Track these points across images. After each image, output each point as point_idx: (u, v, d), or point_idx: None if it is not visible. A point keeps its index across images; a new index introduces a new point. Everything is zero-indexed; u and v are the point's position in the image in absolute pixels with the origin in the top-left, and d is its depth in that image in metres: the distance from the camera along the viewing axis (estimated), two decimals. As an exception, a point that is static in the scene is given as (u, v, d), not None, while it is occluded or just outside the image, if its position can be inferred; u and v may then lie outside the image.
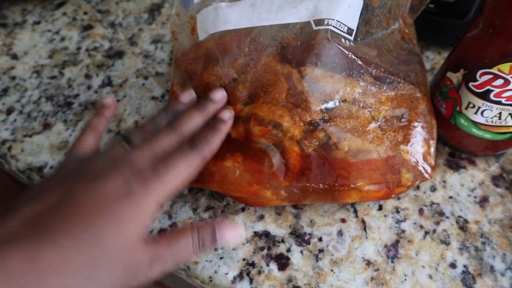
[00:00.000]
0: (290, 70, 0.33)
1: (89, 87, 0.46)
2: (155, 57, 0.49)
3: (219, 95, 0.34)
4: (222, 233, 0.28)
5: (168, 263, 0.27)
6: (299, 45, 0.33)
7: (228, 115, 0.33)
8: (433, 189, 0.38)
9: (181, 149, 0.30)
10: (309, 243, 0.35)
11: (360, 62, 0.33)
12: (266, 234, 0.35)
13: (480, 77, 0.33)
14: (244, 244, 0.35)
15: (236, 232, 0.29)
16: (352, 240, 0.35)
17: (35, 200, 0.26)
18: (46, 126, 0.43)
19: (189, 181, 0.29)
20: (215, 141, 0.31)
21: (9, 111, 0.45)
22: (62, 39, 0.52)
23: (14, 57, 0.50)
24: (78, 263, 0.23)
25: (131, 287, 0.26)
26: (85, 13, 0.55)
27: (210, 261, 0.34)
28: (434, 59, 0.48)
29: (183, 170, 0.28)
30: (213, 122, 0.33)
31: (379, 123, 0.33)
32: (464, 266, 0.34)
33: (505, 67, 0.31)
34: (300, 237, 0.35)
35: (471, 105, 0.35)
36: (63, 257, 0.23)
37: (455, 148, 0.40)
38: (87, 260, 0.24)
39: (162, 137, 0.31)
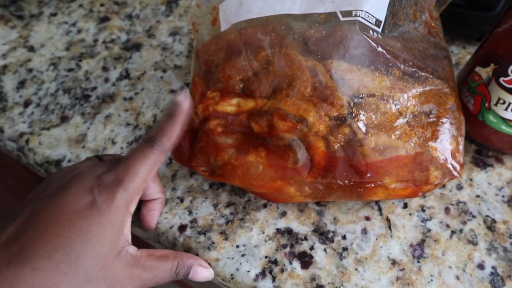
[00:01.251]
0: (315, 63, 0.32)
1: (106, 80, 0.46)
2: (173, 50, 0.48)
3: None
4: (196, 271, 0.31)
5: (146, 283, 0.28)
6: (324, 36, 0.33)
7: (182, 96, 0.31)
8: (460, 187, 0.37)
9: (138, 147, 0.29)
10: (332, 241, 0.34)
11: (388, 56, 0.32)
12: (289, 231, 0.35)
13: (512, 72, 0.32)
14: (266, 241, 0.34)
15: (208, 273, 0.32)
16: (376, 239, 0.34)
17: (10, 222, 0.26)
18: (64, 119, 0.43)
19: (154, 175, 0.30)
20: (173, 129, 0.30)
21: (26, 104, 0.44)
22: (79, 31, 0.51)
23: (31, 49, 0.49)
24: (59, 283, 0.24)
25: None
26: (102, 4, 0.54)
27: (232, 258, 0.33)
28: (459, 54, 0.46)
29: (145, 170, 0.28)
30: (168, 107, 0.31)
31: (407, 118, 0.32)
32: (493, 267, 0.33)
33: (541, 61, 0.30)
34: (323, 235, 0.34)
35: (501, 101, 0.34)
36: (44, 279, 0.23)
37: (482, 145, 0.39)
38: (68, 280, 0.24)
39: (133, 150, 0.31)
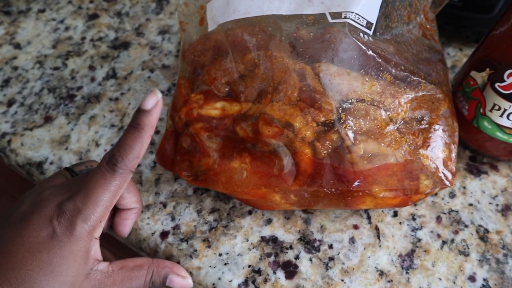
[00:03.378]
0: (303, 66, 0.31)
1: (92, 79, 0.45)
2: (162, 49, 0.47)
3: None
4: (172, 281, 0.29)
5: None
6: (312, 38, 0.31)
7: (151, 101, 0.26)
8: (452, 195, 0.36)
9: (99, 169, 0.26)
10: (319, 250, 0.33)
11: (379, 60, 0.31)
12: (274, 240, 0.33)
13: (508, 77, 0.31)
14: (250, 250, 0.33)
15: (185, 282, 0.30)
16: (364, 248, 0.33)
17: None
18: (47, 119, 0.42)
19: (129, 185, 0.29)
20: (140, 145, 0.26)
21: (10, 103, 0.43)
22: (67, 28, 0.50)
23: (17, 46, 0.48)
24: None
25: None
26: (91, 1, 0.53)
27: (214, 267, 0.32)
28: (455, 56, 0.45)
29: (106, 197, 0.26)
30: (134, 115, 0.27)
31: (398, 125, 0.31)
32: (484, 279, 0.32)
33: (537, 67, 0.29)
34: (309, 244, 0.33)
35: (496, 107, 0.33)
36: None
37: (476, 152, 0.38)
38: None
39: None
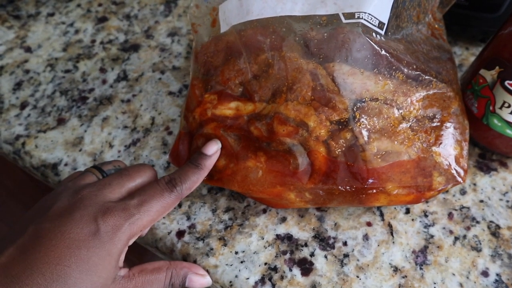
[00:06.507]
0: (316, 66, 0.31)
1: (104, 81, 0.45)
2: (172, 51, 0.47)
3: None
4: (192, 280, 0.30)
5: None
6: (326, 38, 0.32)
7: (213, 149, 0.32)
8: (463, 192, 0.36)
9: (158, 184, 0.29)
10: (333, 248, 0.33)
11: (391, 59, 0.31)
12: (289, 237, 0.34)
13: (517, 75, 0.31)
14: (266, 248, 0.33)
15: (205, 281, 0.31)
16: (378, 245, 0.33)
17: (9, 240, 0.25)
18: (61, 122, 0.42)
19: (160, 218, 0.30)
20: (196, 179, 0.31)
21: (23, 106, 0.44)
22: (77, 31, 0.50)
23: (28, 50, 0.49)
24: None
25: None
26: (100, 4, 0.53)
27: (231, 265, 0.33)
28: (462, 55, 0.46)
29: (156, 210, 0.28)
30: (196, 156, 0.32)
31: (410, 123, 0.32)
32: (497, 274, 0.32)
33: (547, 65, 0.29)
34: (324, 241, 0.34)
35: (506, 105, 0.33)
36: None
37: (486, 149, 0.38)
38: None
39: (139, 174, 0.30)
